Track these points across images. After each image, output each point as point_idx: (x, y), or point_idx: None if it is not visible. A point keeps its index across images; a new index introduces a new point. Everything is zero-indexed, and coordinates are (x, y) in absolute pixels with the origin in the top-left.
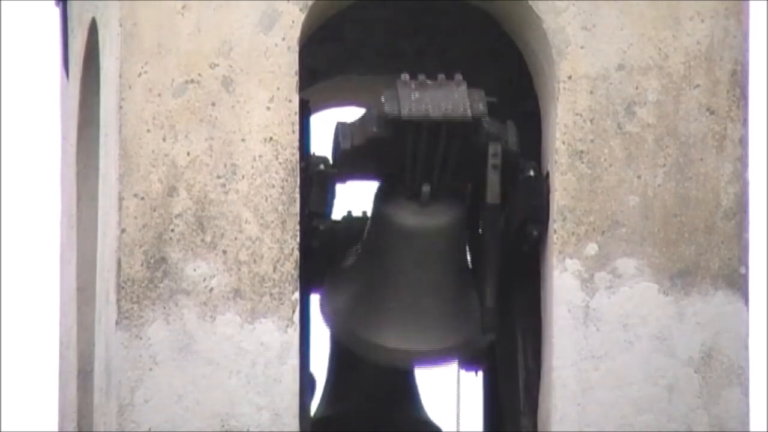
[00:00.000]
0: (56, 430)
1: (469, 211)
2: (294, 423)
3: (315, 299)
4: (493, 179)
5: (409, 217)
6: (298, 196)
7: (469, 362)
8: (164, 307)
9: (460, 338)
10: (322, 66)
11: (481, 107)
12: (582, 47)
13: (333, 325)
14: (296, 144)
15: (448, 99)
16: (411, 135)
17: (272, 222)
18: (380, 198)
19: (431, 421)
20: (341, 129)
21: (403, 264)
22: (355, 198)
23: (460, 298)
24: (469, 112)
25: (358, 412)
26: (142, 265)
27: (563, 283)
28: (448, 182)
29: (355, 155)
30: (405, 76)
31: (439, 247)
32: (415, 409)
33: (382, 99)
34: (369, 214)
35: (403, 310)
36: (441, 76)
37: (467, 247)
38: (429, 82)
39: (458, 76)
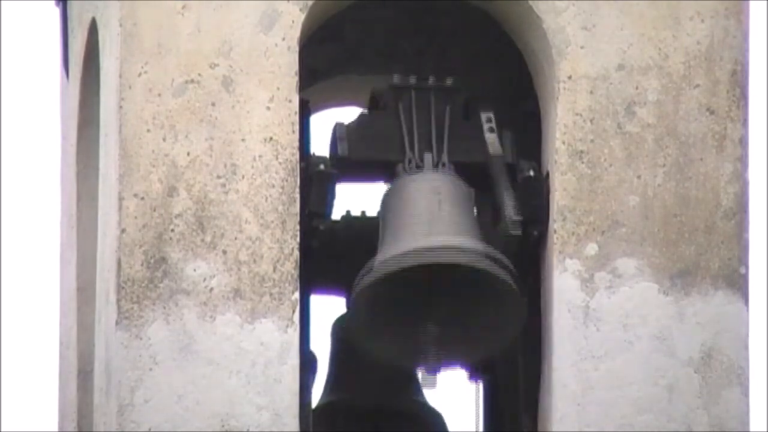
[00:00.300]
0: (56, 430)
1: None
2: (294, 423)
3: (315, 299)
4: (491, 137)
5: (417, 177)
6: (298, 196)
7: (473, 370)
8: (164, 307)
9: (483, 243)
10: (322, 66)
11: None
12: (582, 47)
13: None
14: (296, 144)
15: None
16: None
17: (272, 222)
18: (389, 189)
19: (431, 406)
20: (338, 131)
21: (421, 202)
22: (355, 198)
23: (478, 228)
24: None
25: (359, 397)
26: (142, 265)
27: (563, 283)
28: (447, 155)
29: (352, 161)
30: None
31: (453, 192)
32: (415, 394)
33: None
34: (372, 214)
35: (428, 228)
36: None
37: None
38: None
39: (450, 79)
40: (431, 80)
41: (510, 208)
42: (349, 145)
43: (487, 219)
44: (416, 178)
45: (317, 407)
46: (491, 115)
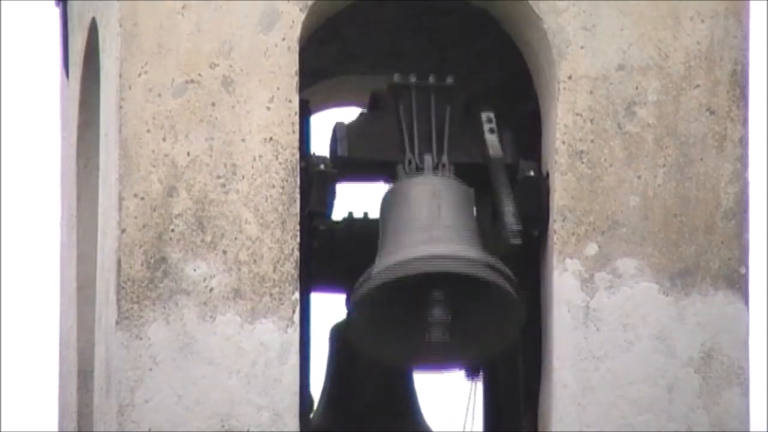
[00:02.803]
0: (56, 430)
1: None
2: (294, 423)
3: (315, 299)
4: (491, 138)
5: (417, 180)
6: (298, 196)
7: (471, 365)
8: (164, 307)
9: (483, 252)
10: (322, 66)
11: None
12: (582, 47)
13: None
14: (296, 144)
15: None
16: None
17: (272, 222)
18: (389, 192)
19: (431, 430)
20: (339, 131)
21: (421, 207)
22: (355, 198)
23: (478, 234)
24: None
25: (356, 423)
26: (142, 265)
27: (563, 283)
28: (447, 156)
29: (352, 161)
30: (402, 168)
31: (452, 196)
32: (414, 420)
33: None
34: (374, 216)
35: (427, 234)
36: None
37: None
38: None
39: (450, 78)
40: (431, 79)
41: (510, 216)
42: (349, 145)
43: (486, 219)
44: (416, 181)
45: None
46: (491, 114)
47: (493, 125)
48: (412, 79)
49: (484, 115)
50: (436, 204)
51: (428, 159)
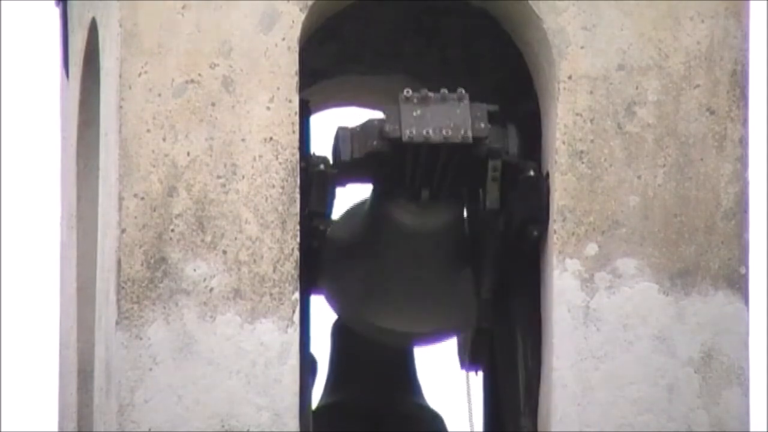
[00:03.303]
0: (56, 430)
1: (467, 210)
2: (294, 423)
3: (315, 299)
4: (493, 188)
5: (408, 217)
6: (298, 196)
7: (469, 360)
8: (164, 307)
9: (458, 322)
10: (322, 66)
11: (483, 126)
12: (582, 47)
13: (338, 308)
14: (296, 144)
15: (450, 118)
16: (411, 152)
17: (272, 222)
18: (378, 196)
19: (431, 408)
20: (341, 135)
21: (403, 259)
22: (355, 198)
23: (458, 290)
24: (470, 134)
25: (359, 400)
26: (142, 265)
27: (563, 283)
28: (446, 188)
29: (355, 166)
30: (407, 92)
31: (437, 246)
32: (414, 396)
33: (384, 115)
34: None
35: (403, 297)
36: (443, 91)
37: (465, 245)
38: (431, 95)
39: (461, 90)
40: (443, 91)
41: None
42: (352, 151)
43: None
44: (407, 221)
45: (317, 408)
46: (498, 164)
47: (497, 174)
48: (424, 92)
49: (491, 164)
50: (416, 271)
51: (425, 193)
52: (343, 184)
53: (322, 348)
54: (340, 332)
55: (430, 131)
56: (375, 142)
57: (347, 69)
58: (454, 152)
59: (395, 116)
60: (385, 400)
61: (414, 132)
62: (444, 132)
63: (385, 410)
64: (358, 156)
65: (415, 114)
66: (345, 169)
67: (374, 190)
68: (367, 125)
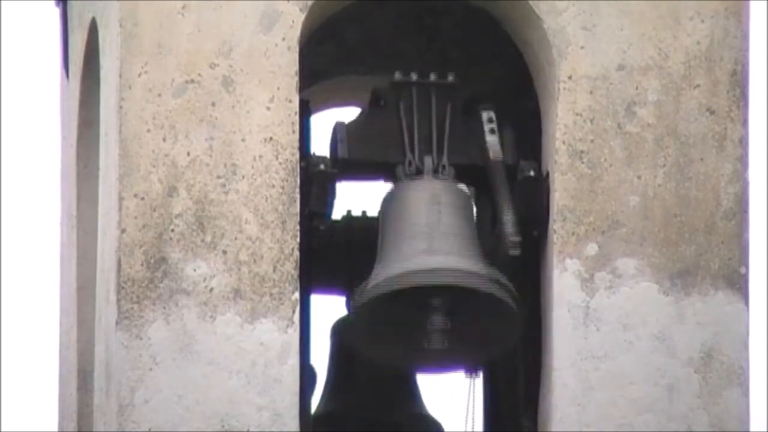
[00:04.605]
0: (56, 430)
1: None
2: (294, 423)
3: (315, 299)
4: (492, 140)
5: (417, 185)
6: (298, 196)
7: (472, 362)
8: (164, 307)
9: (482, 262)
10: (322, 66)
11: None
12: (582, 47)
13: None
14: (296, 144)
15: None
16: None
17: (272, 222)
18: (388, 194)
19: (432, 417)
20: (339, 131)
21: (421, 213)
22: (355, 198)
23: (477, 242)
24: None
25: (359, 408)
26: (142, 265)
27: (563, 283)
28: (447, 157)
29: (352, 162)
30: (403, 169)
31: (452, 201)
32: (415, 406)
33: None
34: (373, 214)
35: (427, 243)
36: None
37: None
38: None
39: (451, 76)
40: (433, 77)
41: (509, 226)
42: (349, 146)
43: (486, 222)
44: (416, 185)
45: (315, 416)
46: (492, 114)
47: (494, 125)
48: (414, 77)
49: (484, 115)
50: (435, 210)
51: (428, 161)
52: (344, 180)
53: (322, 348)
54: (339, 334)
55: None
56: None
57: (347, 69)
58: (445, 100)
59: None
60: (384, 408)
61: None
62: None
63: (384, 420)
64: (355, 157)
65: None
66: (342, 166)
67: (384, 199)
68: (363, 119)
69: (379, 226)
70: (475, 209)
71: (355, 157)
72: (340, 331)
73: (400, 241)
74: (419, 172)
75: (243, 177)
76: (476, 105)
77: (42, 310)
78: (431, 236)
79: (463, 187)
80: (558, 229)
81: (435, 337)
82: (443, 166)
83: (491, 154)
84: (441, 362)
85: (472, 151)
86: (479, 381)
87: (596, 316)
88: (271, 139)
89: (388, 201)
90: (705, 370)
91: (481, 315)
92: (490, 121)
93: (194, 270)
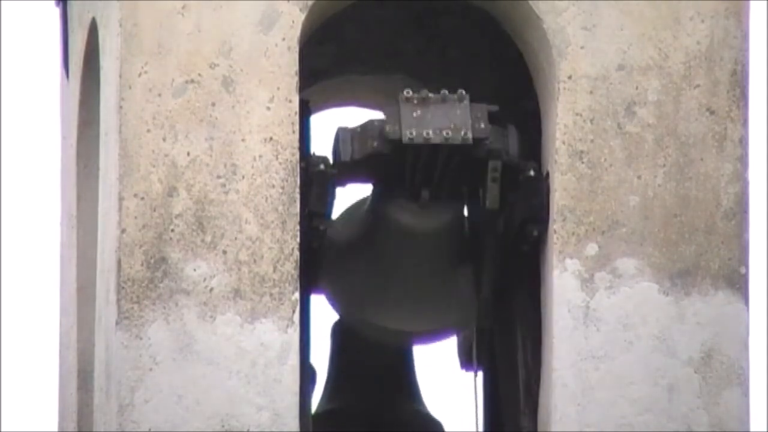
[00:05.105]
0: (56, 430)
1: (467, 210)
2: (294, 423)
3: (315, 299)
4: (493, 189)
5: (408, 217)
6: (298, 196)
7: (467, 359)
8: (164, 307)
9: (457, 321)
10: (322, 66)
11: (483, 126)
12: (582, 47)
13: (339, 308)
14: (296, 144)
15: (450, 119)
16: (411, 153)
17: (272, 222)
18: (378, 196)
19: (431, 415)
20: (342, 136)
21: (403, 259)
22: (355, 198)
23: (458, 290)
24: (470, 135)
25: (359, 406)
26: (142, 265)
27: (563, 283)
28: (446, 188)
29: (355, 167)
30: (407, 92)
31: (437, 245)
32: (415, 403)
33: (384, 116)
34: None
35: (403, 296)
36: (444, 92)
37: (465, 245)
38: (431, 95)
39: (461, 91)
40: (446, 134)
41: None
42: (353, 152)
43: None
44: (407, 221)
45: (316, 414)
46: (498, 164)
47: (497, 174)
48: (425, 93)
49: (491, 164)
50: (416, 271)
51: (425, 193)
52: (343, 184)
53: (322, 348)
54: (340, 334)
55: (431, 132)
56: (375, 143)
57: (347, 69)
58: (454, 153)
59: (395, 117)
60: (384, 407)
61: (414, 133)
62: (444, 133)
63: (384, 418)
64: (358, 157)
65: (415, 115)
66: (345, 169)
67: (374, 190)
68: (368, 126)
69: (369, 225)
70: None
71: (358, 163)
72: (338, 330)
73: (382, 283)
74: (423, 99)
75: (243, 177)
76: (486, 156)
77: (42, 310)
78: (409, 295)
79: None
80: (558, 229)
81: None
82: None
83: (488, 202)
84: (436, 329)
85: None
86: (479, 381)
87: (596, 316)
88: (271, 139)
89: (380, 212)
90: (705, 370)
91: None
92: (494, 170)
93: (194, 270)
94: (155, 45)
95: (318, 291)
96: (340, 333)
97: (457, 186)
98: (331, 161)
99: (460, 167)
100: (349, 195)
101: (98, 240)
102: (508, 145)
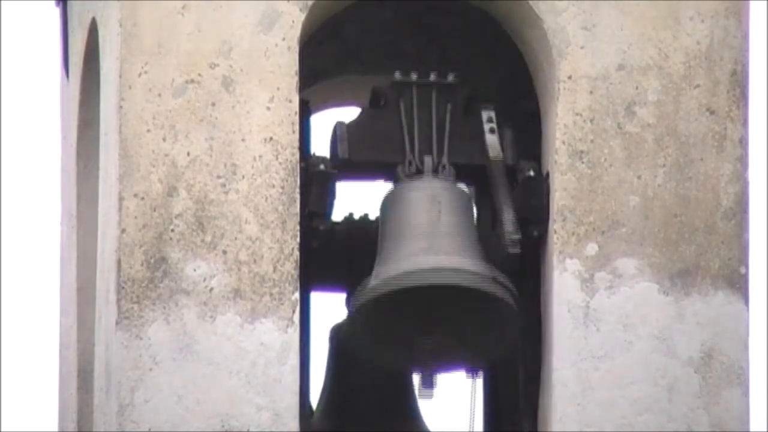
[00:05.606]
0: (56, 430)
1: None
2: (294, 423)
3: (315, 299)
4: (492, 139)
5: (417, 184)
6: (298, 196)
7: (471, 363)
8: (164, 307)
9: (482, 262)
10: (322, 66)
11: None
12: (582, 47)
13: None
14: (296, 144)
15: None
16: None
17: (272, 222)
18: (388, 195)
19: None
20: (339, 132)
21: (421, 213)
22: (355, 198)
23: (477, 241)
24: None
25: (355, 424)
26: (142, 265)
27: (563, 283)
28: (447, 156)
29: (352, 163)
30: (403, 169)
31: (452, 201)
32: (414, 423)
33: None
34: (373, 216)
35: (427, 243)
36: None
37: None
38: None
39: (451, 75)
40: (433, 76)
41: (509, 225)
42: (350, 147)
43: (487, 221)
44: (416, 185)
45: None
46: (492, 113)
47: (494, 124)
48: (414, 77)
49: (484, 114)
50: (435, 210)
51: (428, 161)
52: (344, 180)
53: (322, 348)
54: (338, 337)
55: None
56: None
57: (347, 69)
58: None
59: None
60: (383, 426)
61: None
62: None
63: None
64: (356, 159)
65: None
66: (343, 167)
67: (385, 198)
68: (364, 118)
69: (379, 226)
70: (475, 209)
71: (356, 157)
72: (338, 334)
73: (400, 241)
74: (419, 172)
75: (243, 177)
76: (476, 104)
77: (42, 310)
78: (431, 236)
79: (462, 187)
80: (558, 229)
81: (427, 361)
82: (443, 166)
83: (491, 154)
84: (440, 363)
85: (472, 150)
86: (479, 381)
87: (596, 316)
88: (271, 139)
89: (388, 201)
90: (705, 370)
91: (482, 314)
92: (489, 120)
93: (194, 270)
94: (155, 45)
95: (322, 288)
96: (338, 337)
97: (457, 153)
98: (329, 159)
99: (457, 128)
100: (349, 195)
101: (98, 240)
102: (507, 155)
